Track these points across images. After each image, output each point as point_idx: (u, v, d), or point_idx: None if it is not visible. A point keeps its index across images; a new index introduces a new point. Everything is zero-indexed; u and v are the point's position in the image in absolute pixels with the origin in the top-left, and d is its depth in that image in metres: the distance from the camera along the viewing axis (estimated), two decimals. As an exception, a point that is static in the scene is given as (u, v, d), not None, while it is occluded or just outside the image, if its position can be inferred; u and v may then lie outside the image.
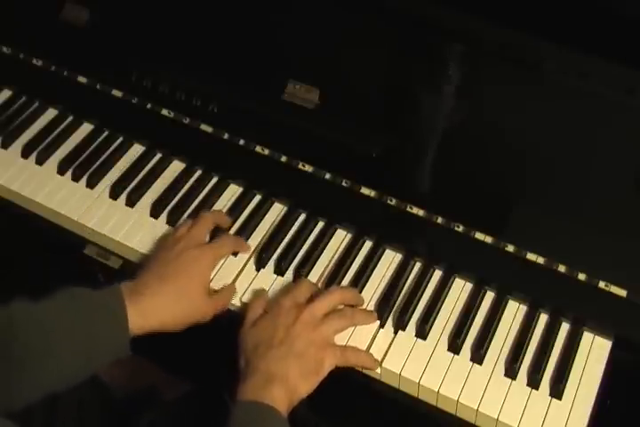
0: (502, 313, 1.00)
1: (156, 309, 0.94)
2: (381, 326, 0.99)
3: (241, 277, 1.04)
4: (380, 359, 0.96)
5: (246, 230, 1.08)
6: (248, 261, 1.05)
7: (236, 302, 1.02)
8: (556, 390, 0.92)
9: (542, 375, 0.93)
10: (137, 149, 1.19)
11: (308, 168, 1.08)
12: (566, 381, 0.93)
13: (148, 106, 1.16)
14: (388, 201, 1.04)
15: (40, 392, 0.88)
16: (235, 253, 1.06)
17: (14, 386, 0.86)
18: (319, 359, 0.91)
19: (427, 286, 1.02)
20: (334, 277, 1.03)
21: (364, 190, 1.05)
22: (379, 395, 0.99)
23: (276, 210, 1.11)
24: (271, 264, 1.05)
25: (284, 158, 1.09)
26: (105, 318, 0.91)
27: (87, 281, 0.96)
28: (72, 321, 0.89)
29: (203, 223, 1.05)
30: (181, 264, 0.98)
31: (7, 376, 0.85)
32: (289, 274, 1.04)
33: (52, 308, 0.90)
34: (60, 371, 0.88)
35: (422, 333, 0.98)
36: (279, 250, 1.06)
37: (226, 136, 1.12)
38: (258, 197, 1.12)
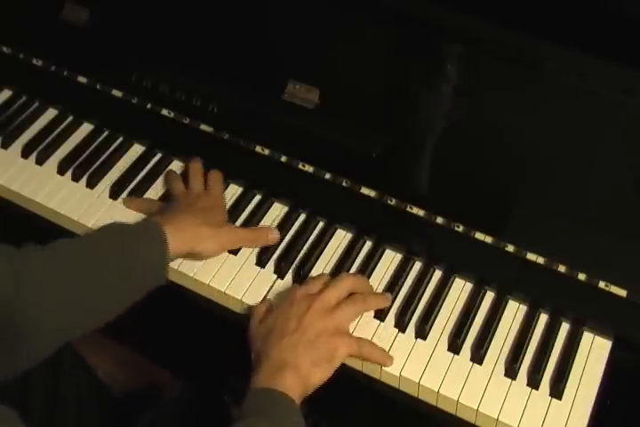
0: (502, 313, 1.00)
1: (190, 233, 0.99)
2: (381, 326, 0.99)
3: (241, 276, 1.04)
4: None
5: (246, 230, 1.08)
6: (247, 260, 1.06)
7: (235, 301, 1.03)
8: (556, 390, 0.92)
9: (542, 375, 0.93)
10: (137, 149, 1.19)
11: (308, 168, 1.08)
12: (566, 381, 0.93)
13: (148, 106, 1.16)
14: (388, 201, 1.04)
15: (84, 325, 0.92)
16: (235, 252, 1.06)
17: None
18: (332, 348, 0.91)
19: (427, 286, 1.02)
20: (334, 277, 1.03)
21: (364, 190, 1.05)
22: (379, 395, 0.99)
23: (276, 210, 1.11)
24: (271, 264, 1.05)
25: (284, 158, 1.09)
26: (146, 242, 0.95)
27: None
28: (113, 251, 0.93)
29: (197, 175, 1.11)
30: (203, 205, 1.05)
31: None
32: (289, 274, 1.04)
33: (93, 240, 0.95)
34: (104, 304, 0.92)
35: (422, 333, 0.98)
36: (279, 250, 1.06)
37: (226, 136, 1.12)
38: (258, 197, 1.12)
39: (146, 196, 1.13)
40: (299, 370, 0.88)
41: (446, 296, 1.01)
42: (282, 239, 1.08)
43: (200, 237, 1.00)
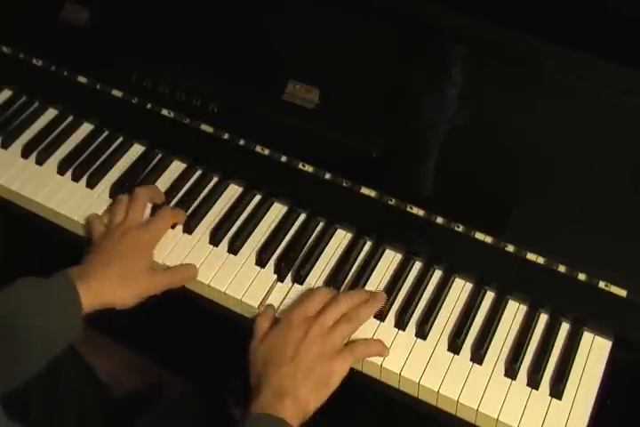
0: (502, 313, 1.00)
1: (103, 289, 0.97)
2: (381, 326, 0.99)
3: (241, 276, 1.04)
4: (380, 359, 0.96)
5: (246, 230, 1.08)
6: (247, 260, 1.06)
7: (235, 301, 1.03)
8: (556, 390, 0.92)
9: (542, 375, 0.93)
10: (137, 149, 1.19)
11: (308, 168, 1.08)
12: (566, 381, 0.93)
13: (148, 106, 1.16)
14: (388, 201, 1.04)
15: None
16: (235, 252, 1.06)
17: None
18: (329, 371, 0.92)
19: (427, 286, 1.02)
20: (334, 277, 1.03)
21: (364, 190, 1.05)
22: (379, 395, 0.99)
23: (276, 210, 1.11)
24: (271, 264, 1.05)
25: (284, 158, 1.09)
26: (58, 300, 0.93)
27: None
28: (27, 309, 0.91)
29: (138, 204, 1.08)
30: (123, 247, 1.02)
31: None
32: (289, 274, 1.04)
33: (7, 299, 0.92)
34: (22, 363, 0.90)
35: (422, 333, 0.98)
36: (279, 250, 1.06)
37: (226, 136, 1.12)
38: (258, 197, 1.12)
39: (100, 219, 1.12)
40: (298, 400, 0.90)
41: (446, 296, 1.01)
42: (282, 239, 1.08)
43: (114, 292, 0.98)
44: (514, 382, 0.94)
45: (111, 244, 1.03)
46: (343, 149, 1.05)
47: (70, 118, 1.22)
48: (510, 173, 1.00)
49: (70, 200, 1.13)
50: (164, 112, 1.15)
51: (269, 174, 1.10)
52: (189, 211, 1.10)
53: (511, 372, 0.94)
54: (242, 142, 1.11)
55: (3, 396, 0.84)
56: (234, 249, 1.06)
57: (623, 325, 0.95)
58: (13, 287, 0.93)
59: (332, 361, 0.93)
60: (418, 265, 1.05)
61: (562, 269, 0.96)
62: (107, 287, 0.97)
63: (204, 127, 1.13)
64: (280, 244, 1.07)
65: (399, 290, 1.02)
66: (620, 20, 0.98)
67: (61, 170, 1.16)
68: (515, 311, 1.00)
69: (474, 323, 0.99)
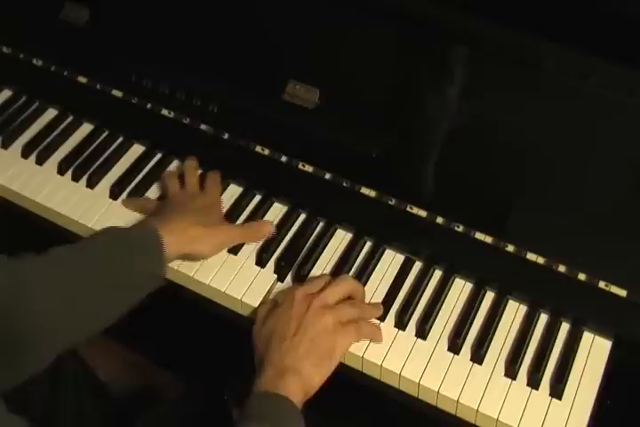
0: (502, 313, 1.00)
1: (187, 236, 0.99)
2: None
3: (241, 276, 1.04)
4: (380, 359, 0.96)
5: (246, 230, 1.08)
6: (247, 260, 1.06)
7: (235, 301, 1.03)
8: (556, 390, 0.92)
9: (542, 375, 0.93)
10: (137, 149, 1.19)
11: (308, 168, 1.08)
12: (566, 381, 0.93)
13: (148, 106, 1.16)
14: (389, 201, 1.04)
15: (82, 336, 0.92)
16: (235, 252, 1.06)
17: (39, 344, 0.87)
18: (332, 344, 0.92)
19: (427, 286, 1.02)
20: (334, 277, 1.03)
21: (364, 190, 1.05)
22: (379, 395, 0.99)
23: (276, 210, 1.11)
24: (271, 264, 1.05)
25: (284, 158, 1.09)
26: (143, 249, 0.95)
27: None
28: (111, 256, 0.93)
29: (193, 175, 1.11)
30: (195, 206, 1.05)
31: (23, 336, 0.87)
32: (289, 274, 1.04)
33: (89, 246, 0.95)
34: (98, 310, 0.92)
35: (422, 333, 0.98)
36: (279, 250, 1.06)
37: (226, 136, 1.12)
38: (258, 197, 1.12)
39: (146, 196, 1.13)
40: (301, 374, 0.89)
41: (446, 296, 1.01)
42: (282, 239, 1.08)
43: (195, 238, 0.99)
44: (514, 382, 0.94)
45: (182, 203, 1.05)
46: (343, 149, 1.05)
47: (70, 118, 1.23)
48: (510, 173, 1.00)
49: (70, 200, 1.13)
50: (164, 112, 1.15)
51: (269, 174, 1.10)
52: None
53: (511, 372, 0.94)
54: (242, 142, 1.11)
55: (2, 396, 0.84)
56: (234, 249, 1.06)
57: (623, 325, 0.95)
58: (99, 233, 0.97)
59: (336, 334, 0.92)
60: (418, 265, 1.05)
61: (562, 269, 0.96)
62: (189, 233, 0.99)
63: (204, 127, 1.13)
64: (280, 244, 1.07)
65: (399, 290, 1.02)
66: (620, 20, 0.98)
67: (61, 170, 1.16)
68: (515, 311, 1.00)
69: (474, 323, 0.99)
